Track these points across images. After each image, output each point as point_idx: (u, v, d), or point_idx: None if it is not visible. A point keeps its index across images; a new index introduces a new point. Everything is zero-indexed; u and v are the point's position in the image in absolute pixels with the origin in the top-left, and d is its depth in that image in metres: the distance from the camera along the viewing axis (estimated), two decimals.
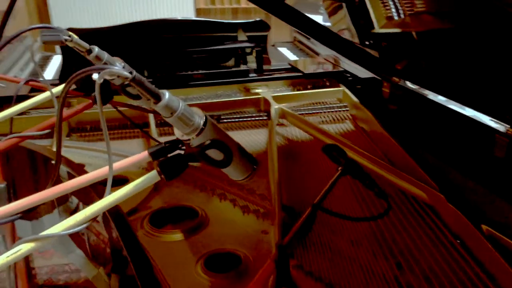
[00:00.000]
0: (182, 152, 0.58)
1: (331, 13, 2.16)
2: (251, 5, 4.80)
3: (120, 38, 1.90)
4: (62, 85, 0.87)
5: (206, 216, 1.13)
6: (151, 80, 1.89)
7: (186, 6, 4.48)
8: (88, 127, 1.65)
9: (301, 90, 1.93)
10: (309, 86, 1.99)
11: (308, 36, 3.18)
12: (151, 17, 3.31)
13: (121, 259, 0.91)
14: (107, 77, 0.82)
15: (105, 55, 0.76)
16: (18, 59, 2.42)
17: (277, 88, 1.97)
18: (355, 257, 0.95)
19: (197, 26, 1.98)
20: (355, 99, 1.76)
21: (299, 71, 2.03)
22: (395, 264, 0.92)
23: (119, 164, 0.59)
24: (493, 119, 1.18)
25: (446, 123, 1.46)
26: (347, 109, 1.77)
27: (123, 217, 0.94)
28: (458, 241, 0.98)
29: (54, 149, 1.46)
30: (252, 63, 2.00)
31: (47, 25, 0.75)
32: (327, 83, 2.01)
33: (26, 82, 1.11)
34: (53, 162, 1.23)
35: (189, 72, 1.93)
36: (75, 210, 1.30)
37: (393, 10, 1.62)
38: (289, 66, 2.10)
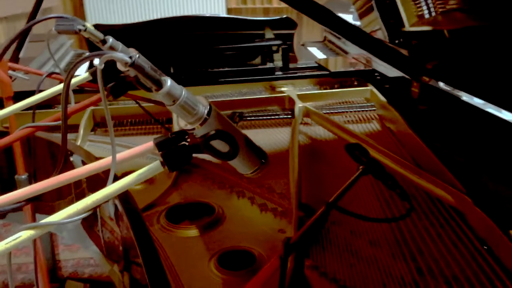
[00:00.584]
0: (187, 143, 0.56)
1: (362, 15, 2.12)
2: (283, 5, 4.78)
3: (147, 35, 1.91)
4: (79, 77, 0.88)
5: (223, 213, 1.12)
6: (173, 71, 1.89)
7: (218, 5, 4.50)
8: (112, 122, 1.66)
9: (328, 89, 1.90)
10: (336, 86, 1.96)
11: (339, 36, 3.15)
12: None
13: (131, 258, 0.91)
14: (122, 69, 0.82)
15: (120, 46, 0.76)
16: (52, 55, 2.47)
17: (303, 87, 1.94)
18: (373, 259, 0.92)
19: (224, 23, 1.97)
20: (382, 98, 1.72)
21: (326, 69, 1.99)
22: (415, 268, 0.88)
23: (124, 155, 0.58)
24: None
25: (480, 125, 1.40)
26: (374, 109, 1.73)
27: (137, 212, 0.93)
28: (485, 247, 0.93)
29: (78, 142, 1.48)
30: (278, 61, 1.97)
31: (61, 15, 0.75)
32: (355, 83, 1.97)
33: (49, 75, 1.13)
34: (72, 159, 1.24)
35: (214, 70, 1.93)
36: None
37: (424, 8, 1.58)
38: (316, 65, 2.06)
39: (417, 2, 1.60)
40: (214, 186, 1.25)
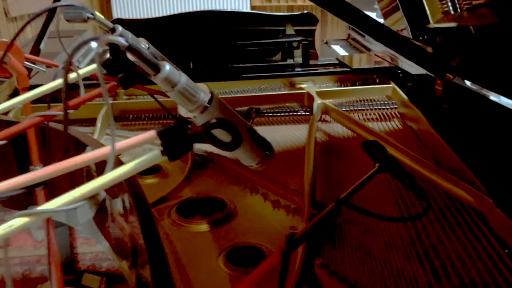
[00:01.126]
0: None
1: (386, 14, 2.08)
2: (308, 3, 4.75)
3: (168, 29, 1.91)
4: (88, 68, 0.87)
5: (235, 209, 1.10)
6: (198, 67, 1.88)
7: (242, 2, 4.49)
8: (130, 116, 1.66)
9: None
10: (357, 83, 1.92)
11: (363, 34, 3.10)
12: None
13: (138, 256, 0.90)
14: (132, 59, 0.80)
15: (129, 35, 0.75)
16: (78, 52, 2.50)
17: (323, 84, 1.91)
18: (387, 260, 0.89)
19: (245, 18, 1.95)
20: (404, 96, 1.67)
21: (347, 66, 1.95)
22: (431, 270, 0.85)
23: (124, 143, 0.57)
24: None
25: (505, 125, 1.35)
26: (395, 106, 1.68)
27: (146, 209, 0.92)
28: (506, 250, 0.88)
29: (95, 136, 1.49)
30: (299, 57, 1.94)
31: (70, 3, 0.74)
32: (377, 81, 1.93)
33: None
34: (86, 151, 1.24)
35: (233, 65, 1.91)
36: (103, 202, 1.31)
37: (450, 4, 1.53)
38: (337, 62, 2.02)
39: None
40: (228, 181, 1.24)
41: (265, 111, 1.68)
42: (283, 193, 1.15)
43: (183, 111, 0.53)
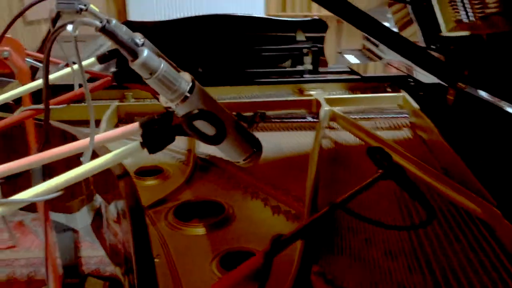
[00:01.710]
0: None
1: (401, 28, 2.05)
2: (323, 13, 4.72)
3: (177, 32, 1.90)
4: (84, 62, 0.86)
5: (233, 213, 1.07)
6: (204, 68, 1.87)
7: (257, 12, 4.49)
8: (134, 118, 1.65)
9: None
10: (368, 92, 1.88)
11: (377, 43, 3.07)
12: None
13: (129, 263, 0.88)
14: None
15: (124, 28, 0.73)
16: (90, 56, 2.51)
17: (333, 92, 1.88)
18: (387, 270, 0.85)
19: (254, 23, 1.94)
20: (415, 105, 1.63)
21: (358, 74, 1.92)
22: (433, 282, 0.80)
23: (106, 135, 0.54)
24: None
25: None
26: (405, 115, 1.64)
27: (139, 214, 0.90)
28: None
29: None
30: (308, 64, 1.92)
31: None
32: (388, 89, 1.89)
33: (67, 65, 1.12)
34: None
35: (241, 70, 1.90)
36: (99, 208, 1.30)
37: (463, 12, 1.50)
38: (348, 69, 1.99)
39: (455, 6, 1.52)
40: (229, 185, 1.21)
41: (272, 116, 1.66)
42: (284, 199, 1.12)
43: (163, 101, 0.51)
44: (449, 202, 1.06)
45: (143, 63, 0.48)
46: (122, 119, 1.66)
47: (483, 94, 1.53)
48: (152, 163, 1.32)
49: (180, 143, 1.45)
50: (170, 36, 1.89)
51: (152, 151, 0.51)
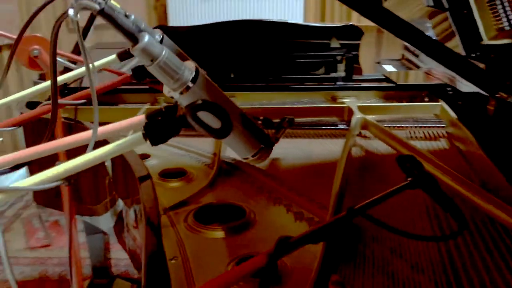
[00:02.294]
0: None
1: (442, 42, 1.98)
2: (363, 23, 4.66)
3: (209, 37, 1.90)
4: (105, 59, 0.86)
5: (254, 217, 1.04)
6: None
7: (295, 20, 4.48)
8: None
9: None
10: (404, 101, 1.82)
11: (416, 53, 2.99)
12: None
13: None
14: None
15: (142, 24, 0.72)
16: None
17: (367, 100, 1.83)
18: (412, 284, 0.79)
19: (287, 28, 1.91)
20: (453, 115, 1.56)
21: (393, 83, 1.86)
22: None
23: (111, 127, 0.53)
24: None
25: None
26: (442, 125, 1.57)
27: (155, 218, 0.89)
28: None
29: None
30: (341, 72, 1.87)
31: None
32: (426, 99, 1.82)
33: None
34: None
35: (273, 77, 1.87)
36: (121, 213, 1.31)
37: (504, 20, 1.44)
38: (383, 77, 1.94)
39: (497, 14, 1.46)
40: (252, 190, 1.18)
41: (303, 123, 1.63)
42: (308, 206, 1.09)
43: (167, 90, 0.49)
44: (485, 216, 0.99)
45: (143, 48, 0.46)
46: None
47: None
48: (177, 165, 1.31)
49: (206, 146, 1.44)
50: (203, 41, 1.90)
51: (154, 142, 0.49)
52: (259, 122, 1.34)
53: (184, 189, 1.19)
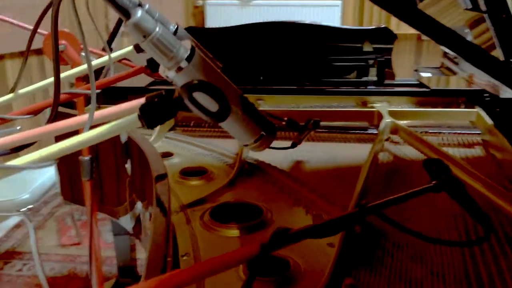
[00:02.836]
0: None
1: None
2: (401, 31, 4.56)
3: (239, 39, 1.89)
4: (122, 50, 0.86)
5: (271, 217, 1.01)
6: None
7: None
8: (191, 122, 1.65)
9: None
10: (439, 107, 1.75)
11: (456, 61, 2.89)
12: None
13: None
14: None
15: (156, 14, 0.71)
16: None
17: (399, 105, 1.77)
18: None
19: (319, 31, 1.88)
20: (490, 122, 1.49)
21: (427, 88, 1.80)
22: None
23: (111, 110, 0.52)
24: None
25: None
26: (478, 132, 1.50)
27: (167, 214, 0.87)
28: None
29: (152, 138, 1.49)
30: (373, 76, 1.82)
31: None
32: (462, 106, 1.75)
33: (119, 61, 1.14)
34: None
35: (302, 80, 1.84)
36: (138, 217, 1.31)
37: None
38: (417, 82, 1.87)
39: None
40: (272, 190, 1.16)
41: (329, 126, 1.59)
42: (328, 208, 1.05)
43: (162, 70, 0.47)
44: None
45: (135, 23, 0.45)
46: (179, 122, 1.67)
47: None
48: (199, 164, 1.30)
49: (230, 147, 1.42)
50: (233, 42, 1.89)
51: (149, 124, 0.48)
52: (283, 122, 1.32)
53: (204, 188, 1.18)
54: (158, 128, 1.52)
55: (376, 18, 4.55)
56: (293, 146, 1.23)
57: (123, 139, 1.31)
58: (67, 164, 1.51)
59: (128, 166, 1.31)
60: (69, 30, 1.13)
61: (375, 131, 1.57)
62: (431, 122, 1.61)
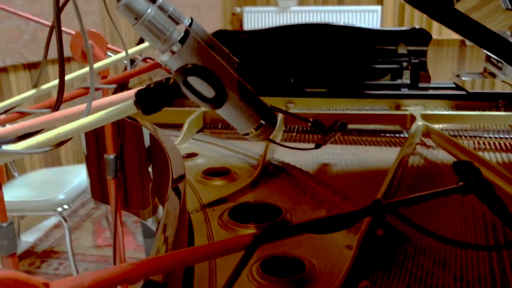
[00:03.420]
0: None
1: None
2: (443, 37, 4.44)
3: (271, 41, 1.88)
4: (140, 46, 0.86)
5: (290, 218, 0.99)
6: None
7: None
8: (219, 125, 1.65)
9: None
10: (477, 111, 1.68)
11: (500, 66, 2.78)
12: None
13: None
14: None
15: (170, 8, 0.71)
16: None
17: (435, 109, 1.70)
18: None
19: (352, 32, 1.84)
20: None
21: (464, 90, 1.72)
22: None
23: (109, 99, 0.52)
24: None
25: None
26: None
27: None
28: None
29: (179, 139, 1.49)
30: (407, 79, 1.77)
31: None
32: (502, 109, 1.67)
33: (144, 60, 1.15)
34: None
35: (333, 83, 1.81)
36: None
37: None
38: (453, 85, 1.80)
39: None
40: (295, 192, 1.13)
41: (359, 129, 1.55)
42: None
43: (158, 54, 0.47)
44: None
45: (126, 4, 0.44)
46: (207, 124, 1.67)
47: None
48: (222, 165, 1.29)
49: (257, 149, 1.41)
50: (264, 45, 1.89)
51: (144, 110, 0.47)
52: (309, 124, 1.29)
53: (225, 188, 1.16)
54: (185, 129, 1.53)
55: (416, 23, 4.44)
56: (317, 147, 1.20)
57: (146, 143, 1.32)
58: (96, 164, 1.54)
59: (150, 170, 1.32)
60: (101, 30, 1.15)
61: (405, 135, 1.52)
62: (467, 126, 1.54)
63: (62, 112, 0.52)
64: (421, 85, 1.76)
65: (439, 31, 4.28)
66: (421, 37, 1.75)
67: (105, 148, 1.35)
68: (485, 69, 3.09)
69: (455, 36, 4.23)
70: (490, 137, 1.44)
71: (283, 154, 1.37)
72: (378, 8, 4.62)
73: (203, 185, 1.19)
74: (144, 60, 1.15)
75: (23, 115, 0.76)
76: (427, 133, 1.43)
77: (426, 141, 1.45)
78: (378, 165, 1.33)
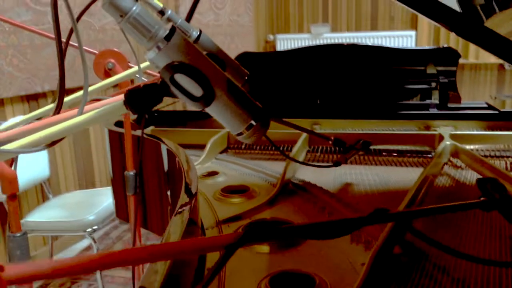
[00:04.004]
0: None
1: None
2: (480, 61, 4.33)
3: (295, 62, 1.88)
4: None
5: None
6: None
7: None
8: (243, 145, 1.65)
9: None
10: None
11: None
12: None
13: None
14: None
15: (179, 20, 0.72)
16: None
17: (466, 130, 1.65)
18: None
19: (379, 52, 1.82)
20: None
21: (496, 110, 1.66)
22: None
23: (104, 101, 0.52)
24: None
25: None
26: None
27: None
28: None
29: (201, 158, 1.50)
30: (436, 99, 1.72)
31: None
32: None
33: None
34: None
35: (360, 103, 1.78)
36: None
37: None
38: (486, 105, 1.74)
39: None
40: (313, 210, 1.11)
41: (388, 149, 1.52)
42: (371, 229, 0.98)
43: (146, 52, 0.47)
44: None
45: (111, 1, 0.45)
46: (231, 144, 1.67)
47: None
48: (242, 183, 1.28)
49: (278, 168, 1.39)
50: (289, 66, 1.89)
51: (133, 108, 0.47)
52: (330, 142, 1.27)
53: (243, 205, 1.15)
54: (207, 148, 1.53)
55: (453, 41, 4.36)
56: (336, 165, 1.17)
57: (165, 166, 1.33)
58: (120, 183, 1.56)
59: (169, 193, 1.33)
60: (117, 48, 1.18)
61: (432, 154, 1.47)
62: (499, 147, 1.48)
63: (58, 116, 0.53)
64: (451, 105, 1.71)
65: (476, 55, 4.19)
66: (449, 55, 1.70)
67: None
68: None
69: (493, 59, 4.13)
70: None
71: (305, 173, 1.35)
72: (413, 33, 4.57)
73: (221, 202, 1.18)
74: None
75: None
76: (456, 152, 1.37)
77: (455, 162, 1.39)
78: (403, 185, 1.28)
